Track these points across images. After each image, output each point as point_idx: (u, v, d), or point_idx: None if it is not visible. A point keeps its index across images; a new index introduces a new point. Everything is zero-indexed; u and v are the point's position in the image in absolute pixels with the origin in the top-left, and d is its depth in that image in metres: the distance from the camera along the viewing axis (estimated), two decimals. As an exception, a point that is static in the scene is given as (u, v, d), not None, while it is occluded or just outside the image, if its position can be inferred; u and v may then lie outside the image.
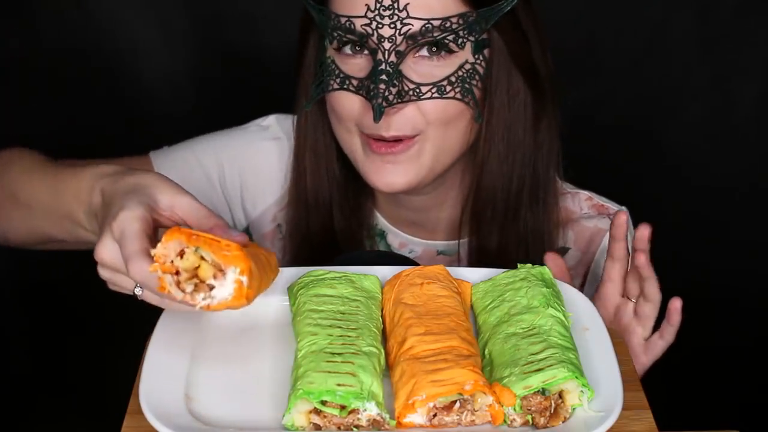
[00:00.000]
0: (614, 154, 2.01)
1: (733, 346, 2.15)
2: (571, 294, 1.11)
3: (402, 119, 1.23)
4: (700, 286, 2.09)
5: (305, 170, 1.36)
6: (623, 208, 1.42)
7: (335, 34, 1.22)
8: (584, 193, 1.42)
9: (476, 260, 1.34)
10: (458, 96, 1.22)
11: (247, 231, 1.45)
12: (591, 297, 1.19)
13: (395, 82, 1.20)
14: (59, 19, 1.91)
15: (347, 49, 1.23)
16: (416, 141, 1.24)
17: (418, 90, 1.21)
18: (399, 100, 1.21)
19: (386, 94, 1.19)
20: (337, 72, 1.24)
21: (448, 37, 1.20)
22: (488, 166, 1.29)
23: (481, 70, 1.24)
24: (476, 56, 1.23)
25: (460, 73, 1.22)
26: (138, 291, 0.97)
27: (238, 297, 0.92)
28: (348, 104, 1.24)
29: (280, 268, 1.04)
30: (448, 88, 1.22)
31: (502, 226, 1.32)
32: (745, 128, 2.01)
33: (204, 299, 0.92)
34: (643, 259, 1.15)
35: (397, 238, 1.41)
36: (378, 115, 1.19)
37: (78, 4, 1.90)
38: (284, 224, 1.42)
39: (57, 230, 1.16)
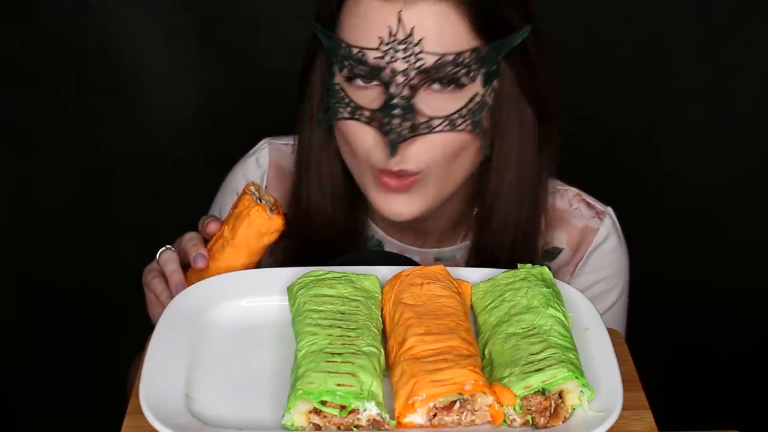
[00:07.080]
0: (613, 155, 2.01)
1: (733, 346, 2.15)
2: (571, 294, 1.11)
3: (411, 152, 1.22)
4: (700, 286, 2.10)
5: (307, 189, 1.36)
6: (609, 208, 1.43)
7: (346, 63, 1.21)
8: (572, 190, 1.43)
9: (473, 264, 1.34)
10: (469, 128, 1.22)
11: None
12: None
13: (408, 116, 1.19)
14: (59, 19, 1.91)
15: (359, 81, 1.22)
16: (420, 177, 1.24)
17: (430, 123, 1.21)
18: (412, 134, 1.20)
19: (400, 129, 1.19)
20: (347, 101, 1.23)
21: (461, 71, 1.19)
22: (501, 196, 1.30)
23: (490, 101, 1.23)
24: (486, 88, 1.22)
25: (471, 105, 1.22)
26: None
27: None
28: (360, 135, 1.23)
29: (280, 269, 1.03)
30: (459, 121, 1.21)
31: (500, 232, 1.32)
32: (745, 129, 2.01)
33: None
34: None
35: (394, 248, 1.41)
36: (393, 150, 1.19)
37: (79, 4, 1.90)
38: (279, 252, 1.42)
39: None
